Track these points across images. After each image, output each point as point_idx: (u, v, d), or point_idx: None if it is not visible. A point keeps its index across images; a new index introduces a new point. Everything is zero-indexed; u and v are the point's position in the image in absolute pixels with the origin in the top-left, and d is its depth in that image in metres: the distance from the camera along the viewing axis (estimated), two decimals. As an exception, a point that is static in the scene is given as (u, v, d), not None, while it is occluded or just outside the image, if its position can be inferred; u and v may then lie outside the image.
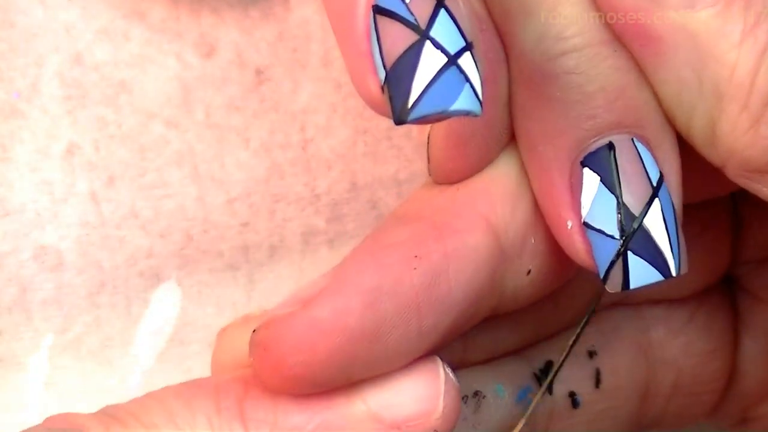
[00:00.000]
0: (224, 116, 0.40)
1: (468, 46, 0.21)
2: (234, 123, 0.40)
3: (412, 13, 0.21)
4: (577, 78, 0.25)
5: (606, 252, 0.26)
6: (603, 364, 0.31)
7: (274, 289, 0.40)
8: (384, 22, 0.21)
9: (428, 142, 0.27)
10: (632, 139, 0.26)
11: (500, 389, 0.29)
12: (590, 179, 0.26)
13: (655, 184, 0.26)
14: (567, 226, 0.26)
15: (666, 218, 0.26)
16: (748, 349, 0.33)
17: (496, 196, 0.27)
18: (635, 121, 0.26)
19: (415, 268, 0.25)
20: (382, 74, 0.21)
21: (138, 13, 0.39)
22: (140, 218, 0.39)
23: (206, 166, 0.40)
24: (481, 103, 0.21)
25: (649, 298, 0.32)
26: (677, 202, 0.27)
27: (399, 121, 0.21)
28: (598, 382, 0.30)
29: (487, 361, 0.30)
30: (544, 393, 0.30)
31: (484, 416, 0.28)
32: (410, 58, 0.21)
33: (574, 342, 0.28)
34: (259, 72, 0.40)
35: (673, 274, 0.26)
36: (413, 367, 0.26)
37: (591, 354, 0.31)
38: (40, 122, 0.39)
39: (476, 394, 0.28)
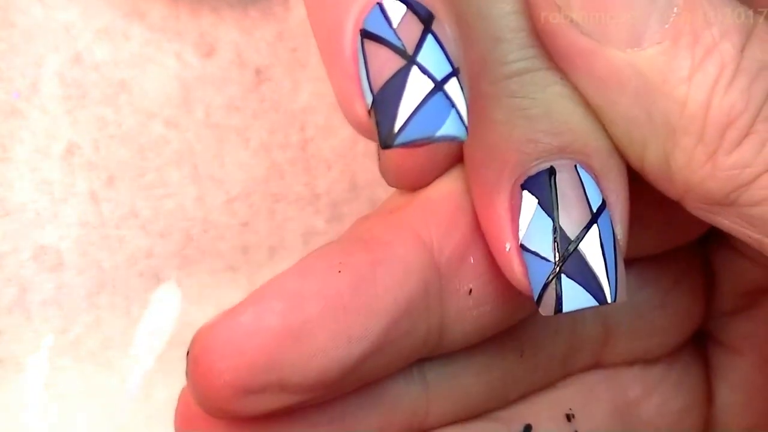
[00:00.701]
0: (224, 116, 0.40)
1: (454, 72, 0.21)
2: (234, 123, 0.40)
3: (399, 38, 0.21)
4: (521, 102, 0.25)
5: (540, 274, 0.26)
6: (581, 426, 0.30)
7: (274, 289, 0.40)
8: (371, 47, 0.21)
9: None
10: (575, 166, 0.26)
11: None
12: (528, 202, 0.26)
13: (595, 211, 0.26)
14: (505, 248, 0.26)
15: (604, 245, 0.26)
16: (724, 400, 0.32)
17: (431, 213, 0.27)
18: (580, 148, 0.26)
19: (339, 272, 0.25)
20: (369, 98, 0.21)
21: (138, 12, 0.39)
22: (140, 218, 0.39)
23: (206, 166, 0.40)
24: (466, 128, 0.21)
25: (625, 359, 0.32)
26: (621, 232, 0.27)
27: (385, 145, 0.21)
28: None
29: (458, 422, 0.29)
30: None
31: None
32: (397, 82, 0.21)
33: None
34: (258, 72, 0.40)
35: (608, 300, 0.26)
36: None
37: (569, 417, 0.30)
38: (40, 122, 0.39)
39: None
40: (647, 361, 0.32)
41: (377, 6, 0.21)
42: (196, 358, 0.25)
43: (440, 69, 0.21)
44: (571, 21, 0.24)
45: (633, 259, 0.27)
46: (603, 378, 0.32)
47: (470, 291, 0.27)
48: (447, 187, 0.27)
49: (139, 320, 0.39)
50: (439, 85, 0.21)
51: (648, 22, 0.24)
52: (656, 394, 0.32)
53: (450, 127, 0.21)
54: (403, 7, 0.21)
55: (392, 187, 0.28)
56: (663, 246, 0.30)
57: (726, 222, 0.26)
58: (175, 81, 0.39)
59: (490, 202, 0.26)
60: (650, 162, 0.25)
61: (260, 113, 0.40)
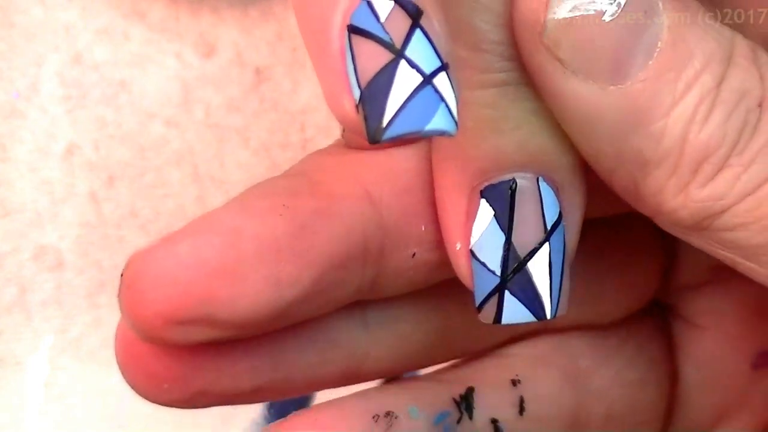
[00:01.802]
0: (224, 116, 0.40)
1: (444, 66, 0.21)
2: (234, 123, 0.40)
3: (387, 33, 0.21)
4: (493, 113, 0.25)
5: (485, 285, 0.26)
6: (527, 393, 0.30)
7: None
8: (359, 41, 0.21)
9: None
10: (538, 179, 0.26)
11: (414, 411, 0.28)
12: (485, 212, 0.26)
13: (549, 228, 0.26)
14: (456, 247, 0.27)
15: (552, 263, 0.26)
16: (690, 377, 0.32)
17: (388, 173, 0.27)
18: (545, 163, 0.26)
19: (281, 215, 0.25)
20: (357, 93, 0.21)
21: (138, 12, 0.39)
22: (140, 218, 0.39)
23: (206, 166, 0.40)
24: (456, 122, 0.21)
25: (575, 325, 0.32)
26: (572, 244, 0.27)
27: (373, 140, 0.21)
28: (521, 410, 0.30)
29: (398, 371, 0.29)
30: (461, 419, 0.29)
31: None
32: (385, 77, 0.21)
33: None
34: (258, 72, 0.40)
35: (548, 317, 0.26)
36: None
37: (514, 382, 0.30)
38: (40, 122, 0.39)
39: (388, 414, 0.28)
40: (599, 329, 0.32)
41: (365, 1, 0.21)
42: (128, 282, 0.25)
43: (429, 63, 0.21)
44: (557, 58, 0.24)
45: (585, 220, 0.27)
46: (553, 345, 0.31)
47: (413, 255, 0.27)
48: (410, 152, 0.27)
49: (139, 320, 0.39)
50: (428, 79, 0.21)
51: (633, 59, 0.23)
52: (610, 365, 0.31)
53: (439, 121, 0.21)
54: (390, 3, 0.21)
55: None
56: (615, 209, 0.30)
57: (697, 242, 0.26)
58: (175, 81, 0.39)
59: (449, 198, 0.27)
60: (617, 186, 0.26)
61: (260, 113, 0.40)
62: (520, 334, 0.31)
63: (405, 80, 0.21)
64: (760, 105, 0.24)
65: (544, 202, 0.26)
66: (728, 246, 0.25)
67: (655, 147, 0.24)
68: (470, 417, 0.29)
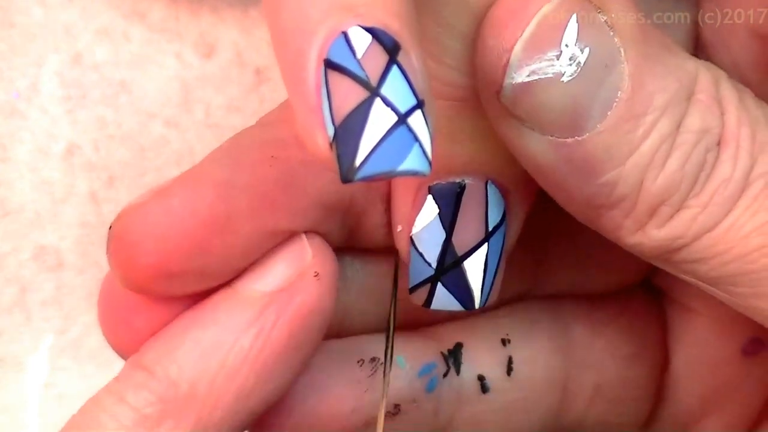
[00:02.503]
0: (224, 116, 0.40)
1: (419, 104, 0.21)
2: (234, 123, 0.40)
3: (363, 69, 0.20)
4: (450, 125, 0.25)
5: (419, 272, 0.27)
6: (516, 353, 0.30)
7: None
8: (334, 77, 0.20)
9: None
10: (486, 182, 0.26)
11: (401, 360, 0.29)
12: (430, 208, 0.26)
13: (491, 229, 0.26)
14: (397, 228, 0.27)
15: (488, 261, 0.27)
16: (680, 362, 0.32)
17: None
18: (494, 170, 0.26)
19: (271, 166, 0.25)
20: (331, 130, 0.20)
21: (137, 13, 0.39)
22: (140, 218, 0.39)
23: (206, 166, 0.40)
24: (430, 163, 0.21)
25: (568, 291, 0.32)
26: (512, 241, 0.27)
27: (345, 179, 0.20)
28: (509, 369, 0.30)
29: (399, 329, 0.30)
30: (448, 372, 0.29)
31: (379, 382, 0.28)
32: (360, 115, 0.20)
33: (392, 315, 0.28)
34: (258, 72, 0.40)
35: (475, 308, 0.27)
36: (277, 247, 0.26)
37: (504, 342, 0.30)
38: (40, 122, 0.39)
39: (373, 359, 0.28)
40: (593, 299, 0.32)
41: (342, 35, 0.20)
42: (119, 235, 0.25)
43: (404, 101, 0.20)
44: (514, 116, 0.24)
45: None
46: (545, 310, 0.31)
47: (385, 210, 0.28)
48: None
49: (139, 320, 0.40)
50: (402, 119, 0.20)
51: (591, 112, 0.23)
52: (603, 336, 0.32)
53: (412, 162, 0.20)
54: (368, 37, 0.20)
55: None
56: None
57: (659, 265, 0.26)
58: (175, 81, 0.39)
59: (400, 188, 0.27)
60: (574, 214, 0.26)
61: (260, 113, 0.40)
62: (511, 297, 0.31)
63: (379, 119, 0.20)
64: (718, 143, 0.24)
65: (489, 203, 0.26)
66: (690, 274, 0.25)
67: (609, 194, 0.24)
68: (457, 372, 0.30)
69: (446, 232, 0.26)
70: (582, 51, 0.23)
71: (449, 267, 0.26)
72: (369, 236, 0.28)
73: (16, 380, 0.39)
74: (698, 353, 0.32)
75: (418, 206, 0.26)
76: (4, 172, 0.39)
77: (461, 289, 0.27)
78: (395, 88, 0.20)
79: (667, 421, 0.33)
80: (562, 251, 0.31)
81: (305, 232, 0.26)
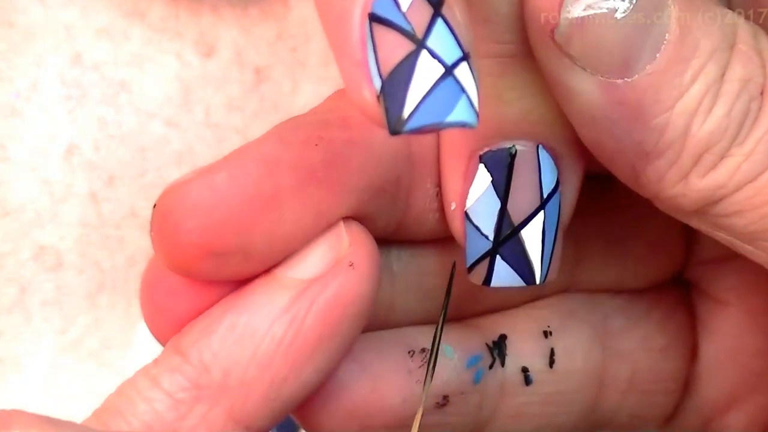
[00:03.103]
0: (224, 116, 0.40)
1: (465, 57, 0.21)
2: (234, 122, 0.40)
3: (409, 22, 0.21)
4: (499, 82, 0.25)
5: (476, 248, 0.27)
6: (558, 345, 0.30)
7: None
8: (380, 31, 0.21)
9: None
10: (537, 147, 0.26)
11: (449, 350, 0.29)
12: (482, 177, 0.26)
13: (545, 196, 0.26)
14: (451, 206, 0.27)
15: (546, 230, 0.26)
16: (709, 354, 0.32)
17: None
18: (545, 133, 0.26)
19: (316, 145, 0.25)
20: (378, 84, 0.21)
21: (137, 12, 0.39)
22: (140, 218, 0.39)
23: (206, 166, 0.40)
24: (477, 114, 0.21)
25: (604, 286, 0.32)
26: (567, 211, 0.27)
27: (394, 131, 0.21)
28: (552, 362, 0.30)
29: (428, 323, 0.29)
30: (494, 364, 0.29)
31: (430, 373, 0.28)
32: (407, 67, 0.21)
33: (444, 314, 0.28)
34: (258, 71, 0.40)
35: (537, 283, 0.27)
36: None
37: (546, 333, 0.30)
38: (40, 122, 0.39)
39: (423, 350, 0.28)
40: (630, 292, 0.32)
41: None
42: (164, 213, 0.25)
43: (450, 53, 0.21)
44: (567, 54, 0.24)
45: (606, 174, 0.28)
46: (584, 303, 0.31)
47: (437, 194, 0.27)
48: None
49: (139, 320, 0.39)
50: (449, 70, 0.21)
51: (642, 53, 0.24)
52: (638, 329, 0.32)
53: (460, 113, 0.21)
54: None
55: None
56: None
57: (695, 224, 0.26)
58: (175, 81, 0.39)
59: (450, 159, 0.27)
60: (617, 171, 0.26)
61: (260, 113, 0.40)
62: (549, 291, 0.31)
63: (426, 71, 0.21)
64: (762, 93, 0.24)
65: (542, 169, 0.26)
66: (726, 230, 0.25)
67: (657, 140, 0.24)
68: (502, 364, 0.30)
69: (501, 201, 0.26)
70: None
71: (507, 238, 0.26)
72: (418, 222, 0.28)
73: (16, 380, 0.39)
74: (728, 345, 0.32)
75: (470, 177, 0.26)
76: (4, 172, 0.39)
77: (521, 262, 0.26)
78: (441, 41, 0.21)
79: (691, 414, 0.33)
80: (599, 247, 0.31)
81: (345, 219, 0.26)
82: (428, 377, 0.27)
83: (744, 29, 0.25)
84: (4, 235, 0.39)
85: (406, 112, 0.20)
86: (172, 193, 0.25)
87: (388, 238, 0.28)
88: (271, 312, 0.25)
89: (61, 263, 0.39)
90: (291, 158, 0.25)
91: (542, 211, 0.26)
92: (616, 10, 0.23)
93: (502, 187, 0.26)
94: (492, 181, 0.26)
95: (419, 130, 0.21)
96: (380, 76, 0.21)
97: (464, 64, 0.21)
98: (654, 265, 0.32)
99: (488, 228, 0.26)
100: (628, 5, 0.23)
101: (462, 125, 0.21)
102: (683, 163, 0.24)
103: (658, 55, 0.24)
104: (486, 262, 0.26)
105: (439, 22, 0.21)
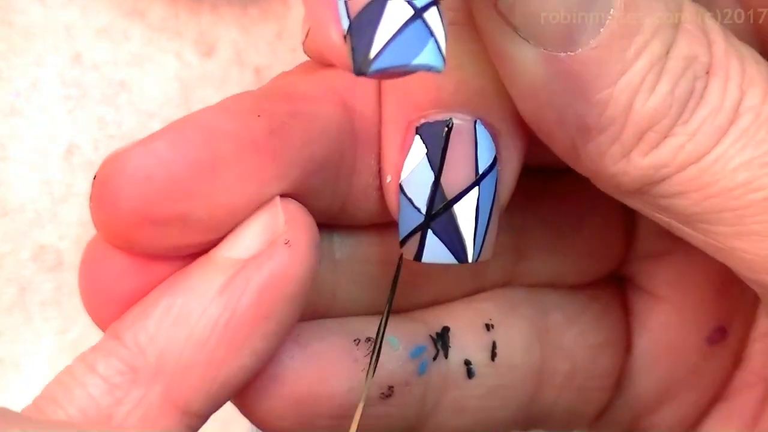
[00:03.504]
0: (224, 115, 0.40)
1: (435, 1, 0.21)
2: (234, 122, 0.40)
3: None
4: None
5: (409, 221, 0.26)
6: (499, 339, 0.30)
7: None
8: None
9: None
10: (475, 122, 0.26)
11: (394, 340, 0.28)
12: (417, 149, 0.26)
13: (481, 173, 0.26)
14: (386, 179, 0.27)
15: (480, 207, 0.26)
16: (642, 349, 0.32)
17: (361, 83, 0.26)
18: (485, 107, 0.26)
19: (258, 116, 0.25)
20: (346, 23, 0.20)
21: (137, 12, 0.39)
22: (140, 218, 0.39)
23: (206, 166, 0.40)
24: (444, 59, 0.20)
25: (544, 280, 0.32)
26: (505, 192, 0.27)
27: (359, 72, 0.20)
28: (493, 355, 0.30)
29: (369, 314, 0.29)
30: (437, 356, 0.29)
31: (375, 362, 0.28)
32: (375, 8, 0.20)
33: (390, 302, 0.28)
34: (258, 71, 0.40)
35: (469, 261, 0.26)
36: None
37: (488, 327, 0.30)
38: (40, 122, 0.39)
39: (369, 339, 0.28)
40: (567, 289, 0.32)
41: None
42: (103, 180, 0.24)
43: None
44: (510, 24, 0.23)
45: (549, 168, 0.27)
46: (525, 297, 0.31)
47: (380, 170, 0.27)
48: None
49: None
50: (418, 13, 0.20)
51: (585, 26, 0.23)
52: (576, 325, 0.31)
53: (427, 56, 0.20)
54: None
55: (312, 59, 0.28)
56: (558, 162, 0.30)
57: (635, 204, 0.26)
58: (174, 81, 0.39)
59: (386, 130, 0.27)
60: (558, 147, 0.25)
61: (260, 112, 0.40)
62: (490, 284, 0.31)
63: (396, 13, 0.20)
64: (707, 72, 0.24)
65: (479, 146, 0.26)
66: (667, 211, 0.25)
67: (599, 114, 0.24)
68: (446, 355, 0.29)
69: (435, 174, 0.26)
70: None
71: (439, 212, 0.26)
72: (362, 201, 0.28)
73: (16, 380, 0.39)
74: (662, 340, 0.32)
75: (406, 149, 0.26)
76: (4, 172, 0.39)
77: (452, 238, 0.26)
78: None
79: (622, 410, 0.32)
80: (541, 242, 0.31)
81: (282, 196, 0.25)
82: (371, 368, 0.27)
83: (690, 8, 0.24)
84: (4, 235, 0.39)
85: (373, 52, 0.20)
86: (112, 162, 0.24)
87: (331, 222, 0.28)
88: (207, 293, 0.24)
89: (61, 263, 0.39)
90: (232, 127, 0.25)
91: (477, 188, 0.26)
92: None
93: (437, 160, 0.26)
94: (427, 153, 0.26)
95: (385, 72, 0.20)
96: (348, 17, 0.20)
97: (434, 9, 0.21)
98: (594, 261, 0.32)
99: (421, 201, 0.26)
100: None
101: (428, 68, 0.20)
102: (625, 140, 0.24)
103: (602, 29, 0.23)
104: (418, 236, 0.26)
105: None
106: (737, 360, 0.32)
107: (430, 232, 0.26)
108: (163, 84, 0.39)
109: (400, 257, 0.28)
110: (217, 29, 0.40)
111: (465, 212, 0.26)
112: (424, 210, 0.26)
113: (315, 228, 0.26)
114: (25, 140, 0.39)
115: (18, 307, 0.39)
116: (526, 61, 0.24)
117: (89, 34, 0.39)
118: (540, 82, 0.24)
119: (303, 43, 0.28)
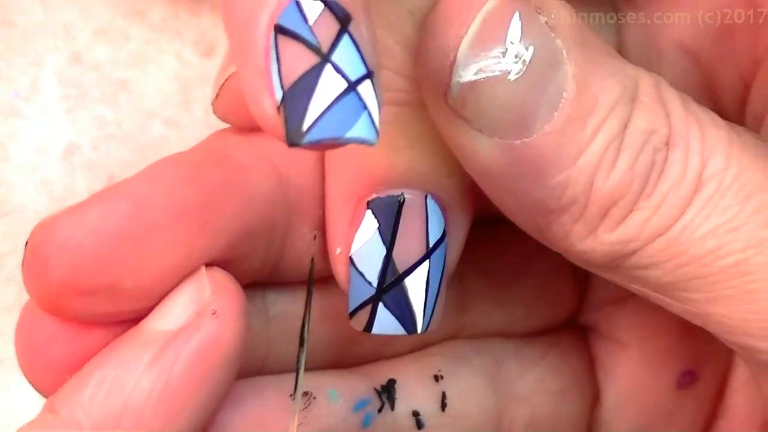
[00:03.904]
0: (224, 115, 0.40)
1: (369, 74, 0.20)
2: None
3: (315, 36, 0.20)
4: (390, 128, 0.25)
5: (360, 293, 0.26)
6: (449, 389, 0.30)
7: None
8: (285, 42, 0.20)
9: (222, 83, 0.27)
10: (426, 196, 0.26)
11: (333, 394, 0.28)
12: (369, 223, 0.26)
13: (432, 245, 0.26)
14: (336, 251, 0.27)
15: (430, 279, 0.26)
16: (611, 397, 0.32)
17: (294, 152, 0.27)
18: (434, 183, 0.26)
19: (190, 185, 0.25)
20: (279, 94, 0.20)
21: (137, 12, 0.39)
22: (140, 218, 0.39)
23: (206, 166, 0.40)
24: (377, 132, 0.20)
25: (497, 330, 0.32)
26: (453, 261, 0.27)
27: (292, 143, 0.20)
28: (444, 405, 0.30)
29: (320, 370, 0.29)
30: (383, 408, 0.29)
31: (313, 416, 0.28)
32: (309, 80, 0.20)
33: (308, 308, 0.28)
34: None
35: (418, 332, 0.27)
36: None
37: (437, 378, 0.30)
38: (40, 122, 0.39)
39: (306, 393, 0.28)
40: (523, 336, 0.32)
41: (294, 2, 0.20)
42: (34, 248, 0.24)
43: (355, 69, 0.20)
44: (462, 117, 0.23)
45: (495, 218, 0.27)
46: (475, 348, 0.31)
47: (315, 237, 0.27)
48: None
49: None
50: (352, 86, 0.20)
51: (538, 112, 0.23)
52: (532, 372, 0.31)
53: (360, 130, 0.20)
54: (320, 5, 0.20)
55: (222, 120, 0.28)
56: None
57: (609, 277, 0.26)
58: (174, 81, 0.39)
59: (335, 204, 0.27)
60: (522, 225, 0.25)
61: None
62: (436, 338, 0.31)
63: (329, 85, 0.20)
64: (666, 144, 0.24)
65: (429, 219, 0.26)
66: (641, 281, 0.25)
67: (559, 197, 0.24)
68: (392, 407, 0.29)
69: (387, 248, 0.26)
70: (527, 49, 0.23)
71: (390, 285, 0.26)
72: (295, 265, 0.28)
73: (16, 381, 0.39)
74: (630, 387, 0.32)
75: (357, 222, 0.26)
76: (4, 172, 0.39)
77: (403, 310, 0.26)
78: (346, 56, 0.20)
79: None
80: (485, 292, 0.31)
81: (208, 266, 0.25)
82: (298, 390, 0.27)
83: (646, 81, 0.24)
84: (4, 235, 0.39)
85: (306, 124, 0.20)
86: (43, 230, 0.25)
87: (264, 281, 0.28)
88: (138, 365, 0.25)
89: (61, 263, 0.39)
90: (162, 197, 0.25)
91: (427, 261, 0.26)
92: (509, 73, 0.23)
93: (389, 235, 0.26)
94: (378, 228, 0.26)
95: (318, 144, 0.20)
96: (282, 87, 0.20)
97: (368, 82, 0.20)
98: (544, 309, 0.32)
99: (372, 274, 0.26)
100: (521, 67, 0.23)
101: (361, 142, 0.20)
102: (589, 218, 0.24)
103: (555, 113, 0.23)
104: (368, 309, 0.26)
105: (346, 38, 0.20)
106: (715, 407, 0.31)
107: (381, 305, 0.26)
108: (163, 84, 0.39)
109: (311, 261, 0.27)
110: (217, 29, 0.40)
111: (416, 285, 0.26)
112: (375, 283, 0.26)
113: (242, 295, 0.26)
114: (25, 140, 0.39)
115: (18, 307, 0.39)
116: (480, 150, 0.23)
117: (89, 34, 0.39)
118: (496, 169, 0.24)
119: (213, 104, 0.28)
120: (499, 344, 0.32)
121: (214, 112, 0.28)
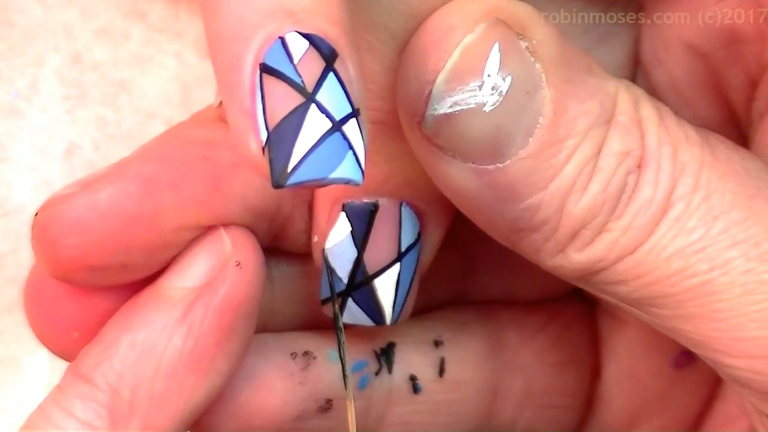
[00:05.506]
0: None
1: (354, 113, 0.21)
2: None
3: (299, 75, 0.20)
4: (369, 146, 0.25)
5: (329, 286, 0.27)
6: (449, 355, 0.30)
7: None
8: (270, 82, 0.20)
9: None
10: (401, 204, 0.26)
11: (332, 354, 0.29)
12: (342, 225, 0.26)
13: (404, 250, 0.27)
14: (314, 238, 0.27)
15: (401, 281, 0.27)
16: (610, 373, 0.32)
17: None
18: (409, 193, 0.26)
19: (200, 166, 0.25)
20: (264, 135, 0.20)
21: (137, 12, 0.39)
22: (140, 218, 0.39)
23: (206, 166, 0.40)
24: (362, 171, 0.21)
25: (500, 297, 0.32)
26: (427, 259, 0.27)
27: (277, 185, 0.20)
28: (441, 371, 0.30)
29: (321, 330, 0.30)
30: (380, 371, 0.29)
31: (312, 376, 0.28)
32: (294, 120, 0.20)
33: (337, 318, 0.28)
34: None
35: (387, 324, 0.27)
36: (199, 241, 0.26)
37: (437, 343, 0.30)
38: (40, 122, 0.39)
39: (306, 353, 0.28)
40: (525, 305, 0.32)
41: (279, 41, 0.20)
42: (44, 225, 0.25)
43: (340, 109, 0.20)
44: (436, 145, 0.23)
45: None
46: (477, 314, 0.31)
47: (310, 217, 0.28)
48: None
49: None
50: (337, 126, 0.20)
51: (513, 139, 0.23)
52: (533, 342, 0.31)
53: (345, 170, 0.20)
54: (305, 43, 0.20)
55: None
56: None
57: (582, 286, 0.26)
58: (174, 81, 0.39)
59: (319, 201, 0.27)
60: (495, 237, 0.25)
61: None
62: (438, 301, 0.31)
63: (314, 125, 0.20)
64: (639, 165, 0.24)
65: (403, 225, 0.26)
66: (611, 295, 0.25)
67: (530, 218, 0.24)
68: (389, 370, 0.29)
69: (357, 251, 0.26)
70: (504, 80, 0.23)
71: (359, 284, 0.27)
72: (293, 241, 0.28)
73: (16, 381, 0.39)
74: (629, 364, 0.32)
75: (332, 221, 0.27)
76: (4, 172, 0.39)
77: (371, 306, 0.27)
78: (331, 95, 0.20)
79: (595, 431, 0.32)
80: (492, 258, 0.31)
81: (224, 225, 0.26)
82: (347, 374, 0.27)
83: (625, 98, 0.24)
84: (4, 235, 0.39)
85: (291, 165, 0.20)
86: (53, 206, 0.25)
87: (266, 248, 0.28)
88: (167, 325, 0.25)
89: (61, 263, 0.39)
90: (172, 178, 0.25)
91: (398, 263, 0.26)
92: (485, 105, 0.23)
93: (360, 238, 0.26)
94: (351, 231, 0.26)
95: (302, 185, 0.20)
96: (267, 128, 0.20)
97: (353, 121, 0.20)
98: (549, 278, 0.32)
99: (343, 272, 0.27)
100: (498, 98, 0.23)
101: (347, 182, 0.20)
102: (559, 238, 0.24)
103: (530, 139, 0.23)
104: (338, 300, 0.27)
105: (331, 76, 0.20)
106: (713, 390, 0.32)
107: (350, 299, 0.27)
108: (163, 84, 0.39)
109: (334, 304, 0.28)
110: (218, 30, 0.40)
111: (385, 285, 0.27)
112: (345, 281, 0.27)
113: (259, 247, 0.26)
114: (25, 140, 0.39)
115: (18, 307, 0.39)
116: (454, 175, 0.24)
117: (89, 34, 0.39)
118: (470, 193, 0.24)
119: (216, 109, 0.28)
120: (502, 311, 0.32)
121: (219, 116, 0.28)
